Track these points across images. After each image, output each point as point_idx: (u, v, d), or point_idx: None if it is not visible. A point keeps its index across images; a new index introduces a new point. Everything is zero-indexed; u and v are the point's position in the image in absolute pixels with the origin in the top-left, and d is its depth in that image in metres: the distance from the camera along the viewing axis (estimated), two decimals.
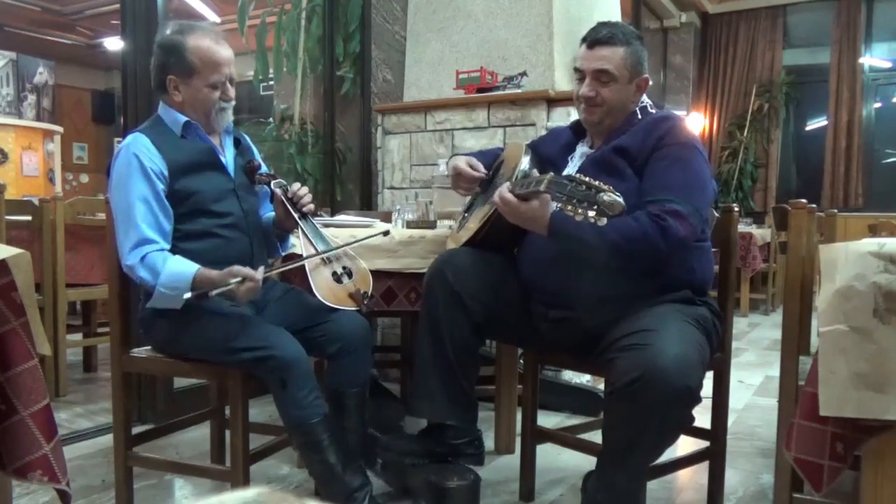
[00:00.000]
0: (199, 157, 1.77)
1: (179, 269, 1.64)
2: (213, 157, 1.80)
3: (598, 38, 1.76)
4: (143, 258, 1.65)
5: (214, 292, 1.57)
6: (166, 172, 1.71)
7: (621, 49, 1.75)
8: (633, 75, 1.77)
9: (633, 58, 1.76)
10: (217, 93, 1.76)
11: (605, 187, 1.34)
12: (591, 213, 1.33)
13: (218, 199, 1.77)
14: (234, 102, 1.81)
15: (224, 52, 1.76)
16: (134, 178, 1.67)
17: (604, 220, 1.34)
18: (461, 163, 1.97)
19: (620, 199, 1.33)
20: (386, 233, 1.96)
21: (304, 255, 1.80)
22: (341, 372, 1.79)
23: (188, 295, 1.59)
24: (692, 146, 1.70)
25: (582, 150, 1.87)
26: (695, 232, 1.63)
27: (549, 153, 1.92)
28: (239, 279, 1.59)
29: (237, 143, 1.90)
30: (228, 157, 1.85)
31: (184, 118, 1.77)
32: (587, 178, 1.37)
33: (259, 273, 1.62)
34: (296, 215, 1.83)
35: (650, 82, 1.80)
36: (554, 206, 1.55)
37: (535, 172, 1.73)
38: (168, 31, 1.77)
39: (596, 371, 1.98)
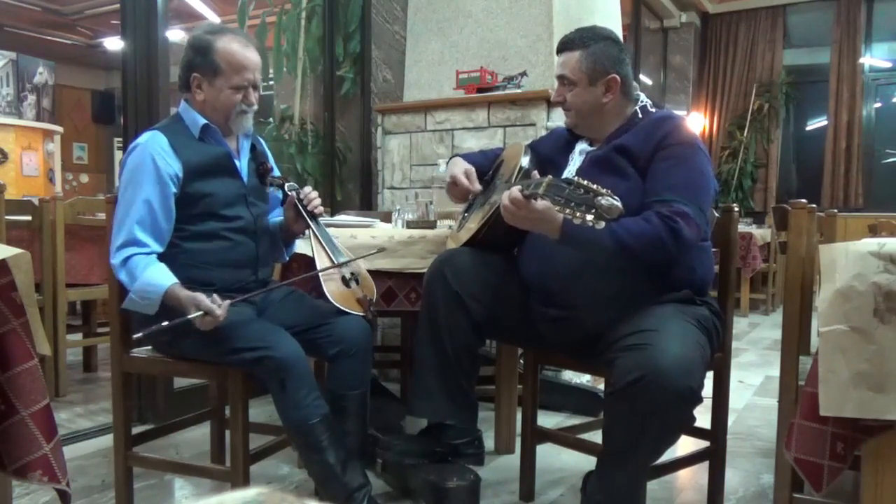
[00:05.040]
0: (215, 160, 1.77)
1: (155, 279, 1.62)
2: (229, 161, 1.80)
3: (560, 43, 1.81)
4: (126, 259, 1.65)
5: (167, 326, 1.55)
6: (181, 174, 1.71)
7: (577, 53, 1.77)
8: (594, 77, 1.76)
9: (591, 60, 1.75)
10: (239, 96, 1.75)
11: (604, 191, 1.34)
12: (590, 217, 1.33)
13: (229, 204, 1.78)
14: (255, 107, 1.80)
15: (251, 56, 1.76)
16: (144, 178, 1.67)
17: (601, 224, 1.33)
18: (458, 172, 1.95)
19: (618, 203, 1.32)
20: (381, 249, 1.97)
21: (318, 262, 1.82)
22: (342, 375, 1.79)
23: (137, 336, 1.57)
24: (695, 145, 1.70)
25: (581, 146, 1.87)
26: (700, 233, 1.63)
27: (548, 153, 1.92)
28: (200, 313, 1.56)
29: (253, 147, 1.90)
30: (243, 161, 1.85)
31: (203, 120, 1.77)
32: (585, 182, 1.37)
33: (221, 310, 1.57)
34: (308, 219, 1.84)
35: (620, 80, 1.76)
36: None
37: (535, 174, 1.73)
38: (199, 31, 1.77)
39: (596, 371, 1.97)
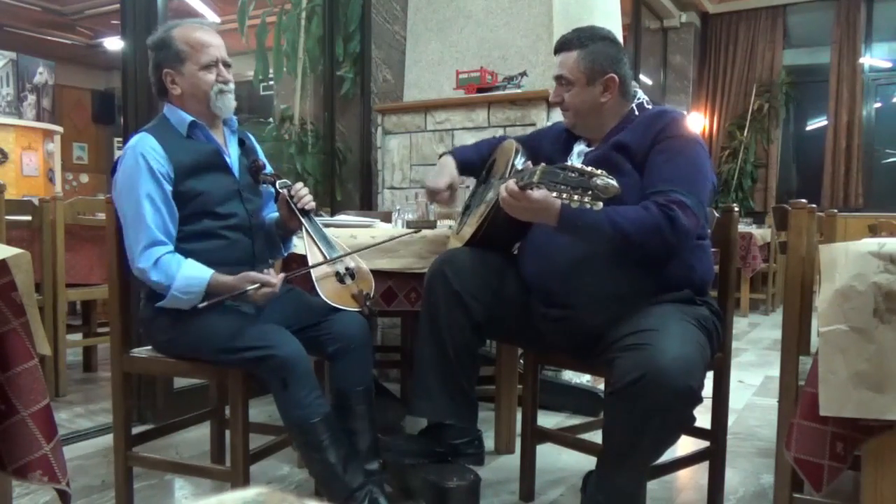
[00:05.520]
0: (205, 158, 1.77)
1: (194, 273, 1.65)
2: (219, 158, 1.80)
3: (558, 43, 1.82)
4: (156, 261, 1.65)
5: (229, 296, 1.62)
6: (172, 174, 1.70)
7: (575, 53, 1.77)
8: (592, 77, 1.76)
9: (589, 59, 1.75)
10: (212, 75, 1.76)
11: (598, 172, 1.34)
12: (587, 199, 1.34)
13: (222, 201, 1.77)
14: (232, 86, 1.80)
15: (210, 36, 1.77)
16: (142, 178, 1.67)
17: (599, 205, 1.34)
18: (442, 185, 1.99)
19: (614, 182, 1.33)
20: (417, 231, 2.04)
21: (311, 260, 1.82)
22: (343, 372, 1.79)
23: (202, 304, 1.62)
24: (692, 138, 1.70)
25: (579, 148, 1.87)
26: (698, 223, 1.63)
27: (547, 152, 1.92)
28: (256, 285, 1.63)
29: (241, 142, 1.90)
30: (233, 157, 1.85)
31: (189, 117, 1.77)
32: (579, 165, 1.38)
33: (278, 279, 1.65)
34: (300, 215, 1.84)
35: (618, 80, 1.76)
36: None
37: (529, 164, 1.73)
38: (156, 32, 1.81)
39: (596, 371, 1.97)
